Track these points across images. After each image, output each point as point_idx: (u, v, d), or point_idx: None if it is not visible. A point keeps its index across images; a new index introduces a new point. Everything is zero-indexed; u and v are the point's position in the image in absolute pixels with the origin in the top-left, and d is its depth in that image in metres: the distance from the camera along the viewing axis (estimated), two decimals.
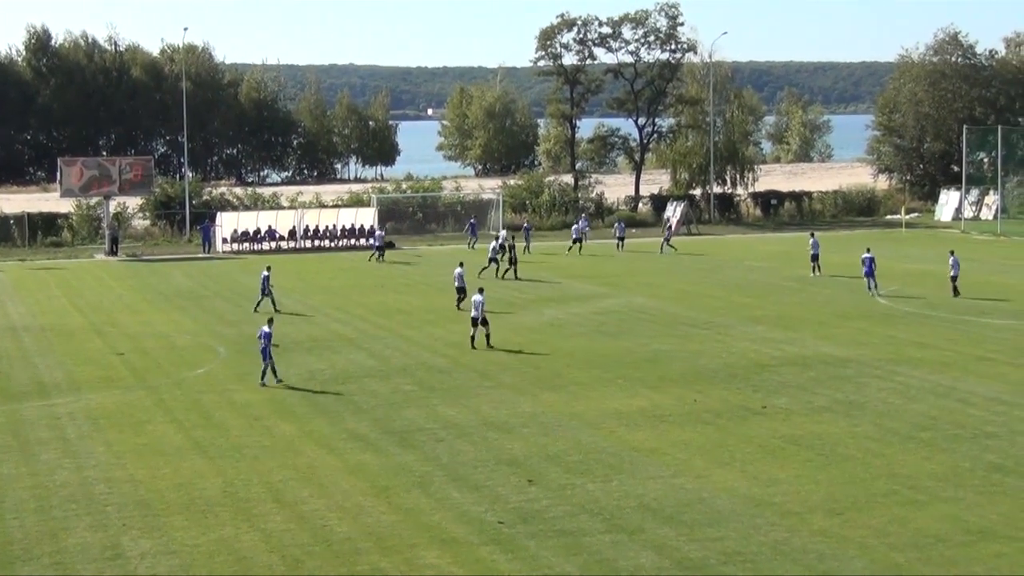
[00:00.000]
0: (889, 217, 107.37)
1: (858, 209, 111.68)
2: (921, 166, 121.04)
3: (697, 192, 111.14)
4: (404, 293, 64.27)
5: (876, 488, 29.15)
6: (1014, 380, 41.09)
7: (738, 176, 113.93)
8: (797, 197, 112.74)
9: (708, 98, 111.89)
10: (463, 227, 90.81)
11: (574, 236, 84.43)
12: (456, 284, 57.60)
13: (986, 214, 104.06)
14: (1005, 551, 24.96)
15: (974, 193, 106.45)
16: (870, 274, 61.58)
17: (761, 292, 63.10)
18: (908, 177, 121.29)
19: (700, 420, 36.07)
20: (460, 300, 57.07)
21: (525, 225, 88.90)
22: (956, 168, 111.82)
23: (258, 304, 58.13)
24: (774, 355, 45.82)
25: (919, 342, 48.15)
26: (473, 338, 48.19)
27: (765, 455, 32.19)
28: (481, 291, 49.31)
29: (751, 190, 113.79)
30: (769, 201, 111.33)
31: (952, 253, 62.39)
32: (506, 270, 69.67)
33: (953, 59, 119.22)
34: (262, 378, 41.69)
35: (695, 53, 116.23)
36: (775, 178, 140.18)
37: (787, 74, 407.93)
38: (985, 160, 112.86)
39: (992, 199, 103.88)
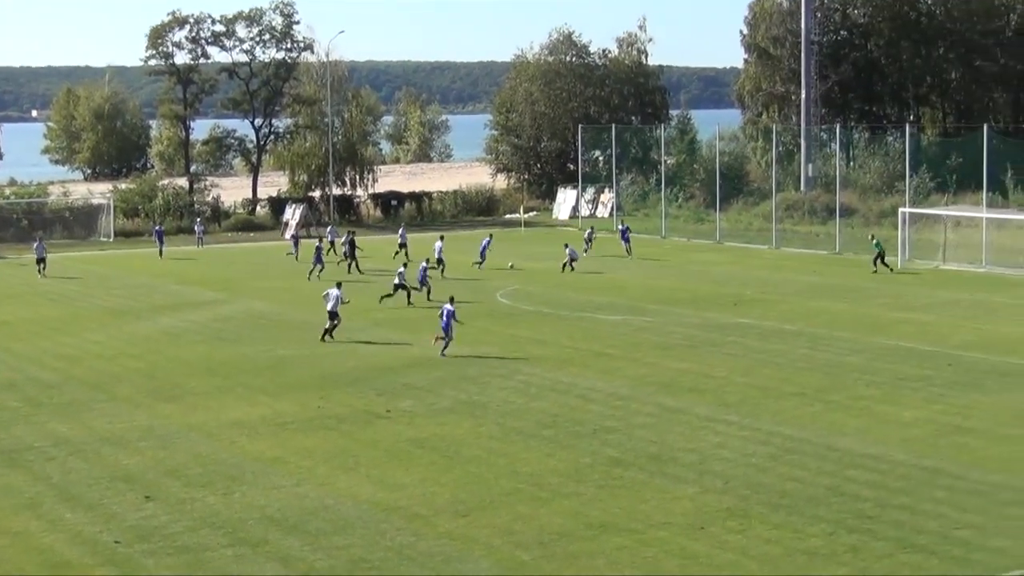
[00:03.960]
0: (508, 216, 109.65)
1: (478, 209, 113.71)
2: (538, 165, 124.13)
3: (316, 194, 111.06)
4: (7, 304, 61.93)
5: (500, 487, 29.73)
6: (631, 375, 42.60)
7: (358, 177, 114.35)
8: (417, 198, 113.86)
9: (326, 98, 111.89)
10: (72, 233, 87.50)
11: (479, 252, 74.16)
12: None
13: (602, 212, 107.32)
14: (626, 543, 25.82)
15: (590, 191, 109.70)
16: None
17: (381, 294, 63.41)
18: (526, 176, 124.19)
19: (324, 426, 36.05)
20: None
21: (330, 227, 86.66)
22: (572, 167, 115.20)
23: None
24: (398, 357, 46.20)
25: (540, 339, 49.38)
26: (329, 331, 49.37)
27: (390, 459, 32.41)
28: (339, 285, 51.10)
29: (371, 191, 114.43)
30: (389, 202, 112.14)
31: (567, 246, 68.82)
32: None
33: (567, 59, 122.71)
34: (443, 350, 45.74)
35: (312, 52, 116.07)
36: (395, 179, 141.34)
37: (405, 74, 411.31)
38: (600, 158, 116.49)
39: (608, 197, 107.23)
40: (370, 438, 34.61)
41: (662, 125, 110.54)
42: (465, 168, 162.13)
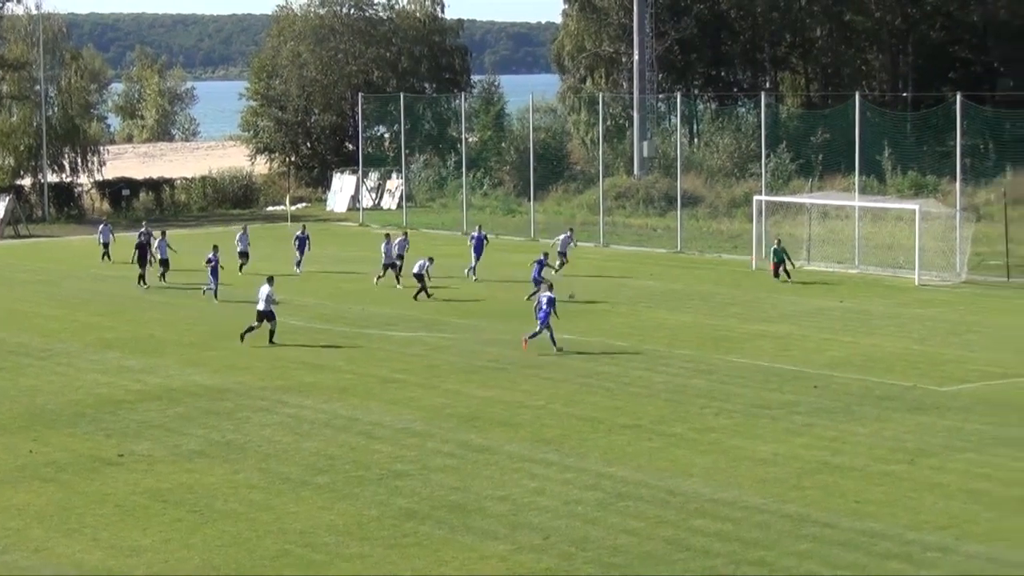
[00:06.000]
0: (271, 208, 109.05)
1: (233, 199, 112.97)
2: (308, 144, 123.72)
3: (27, 182, 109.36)
4: None
5: (264, 549, 29.55)
6: (427, 405, 42.65)
7: (79, 160, 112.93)
8: (155, 186, 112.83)
9: (37, 60, 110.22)
10: None
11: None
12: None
13: (388, 202, 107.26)
14: None
15: (374, 177, 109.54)
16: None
17: (113, 308, 62.76)
18: (293, 158, 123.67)
19: (38, 476, 35.49)
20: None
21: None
22: (351, 146, 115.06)
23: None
24: (132, 388, 45.68)
25: (311, 363, 49.20)
26: (247, 332, 52.33)
27: (124, 516, 32.01)
28: (270, 280, 53.05)
29: (97, 178, 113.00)
30: (120, 191, 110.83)
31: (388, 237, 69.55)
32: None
33: (344, 11, 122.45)
34: (554, 344, 50.21)
35: (18, 1, 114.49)
36: (128, 162, 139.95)
37: (139, 30, 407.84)
38: (386, 136, 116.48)
39: (396, 184, 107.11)
40: (97, 491, 34.16)
41: (462, 94, 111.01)
42: (216, 149, 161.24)
